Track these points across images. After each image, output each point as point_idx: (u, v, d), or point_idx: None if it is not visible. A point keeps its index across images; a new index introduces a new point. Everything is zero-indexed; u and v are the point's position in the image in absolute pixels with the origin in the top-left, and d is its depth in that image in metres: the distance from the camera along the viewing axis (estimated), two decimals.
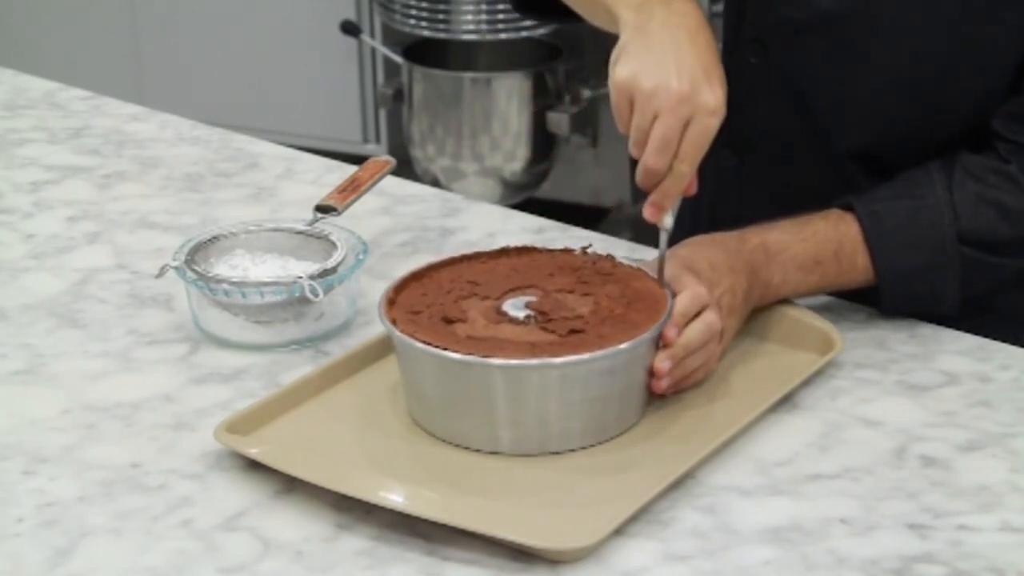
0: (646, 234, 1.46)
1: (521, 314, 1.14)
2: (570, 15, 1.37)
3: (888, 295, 1.26)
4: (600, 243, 1.33)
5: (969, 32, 1.26)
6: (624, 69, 1.14)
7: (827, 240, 1.25)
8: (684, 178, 1.14)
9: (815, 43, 1.32)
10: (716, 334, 1.15)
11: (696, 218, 1.46)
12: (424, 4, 3.24)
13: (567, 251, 1.24)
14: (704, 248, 1.22)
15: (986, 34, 1.26)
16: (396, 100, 3.40)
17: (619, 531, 1.00)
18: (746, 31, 1.38)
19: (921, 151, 1.30)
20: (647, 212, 1.16)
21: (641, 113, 1.12)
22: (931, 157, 1.29)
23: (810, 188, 1.37)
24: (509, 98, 3.19)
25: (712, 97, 1.12)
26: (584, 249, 1.24)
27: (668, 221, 1.17)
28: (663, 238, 1.18)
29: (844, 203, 1.27)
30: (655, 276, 1.18)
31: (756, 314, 1.25)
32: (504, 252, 1.24)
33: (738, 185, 1.42)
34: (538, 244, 1.25)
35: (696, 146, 1.13)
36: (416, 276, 1.20)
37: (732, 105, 1.40)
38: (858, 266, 1.25)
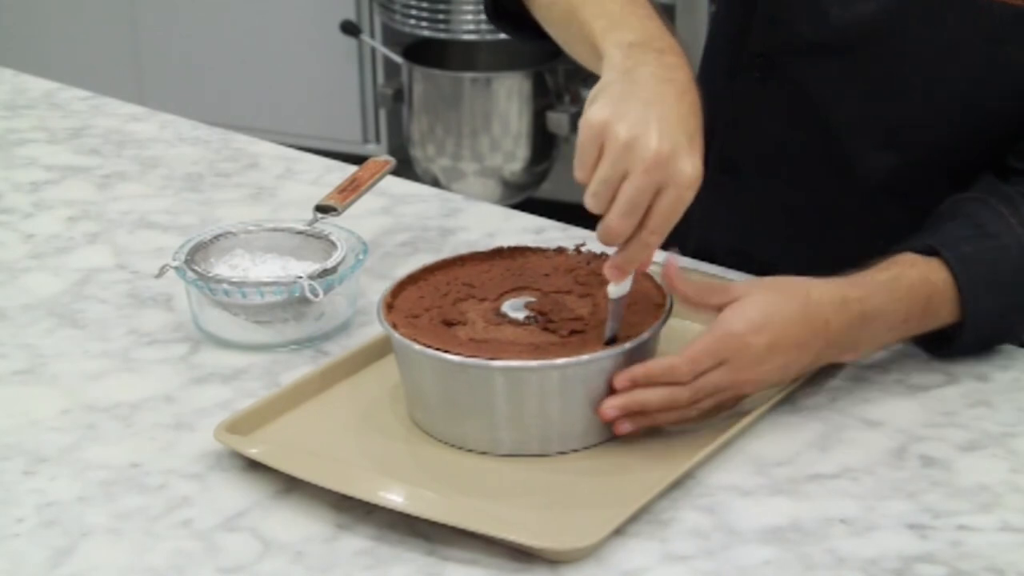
0: None
1: (521, 315, 1.14)
2: (541, 36, 1.31)
3: (969, 339, 1.19)
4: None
5: (995, 55, 1.24)
6: (602, 110, 1.04)
7: (919, 295, 1.16)
8: (651, 248, 1.06)
9: (830, 62, 1.30)
10: (676, 407, 1.08)
11: (685, 233, 1.45)
12: (424, 4, 3.24)
13: (561, 251, 1.24)
14: (783, 322, 1.10)
15: (1008, 54, 1.24)
16: (396, 100, 3.40)
17: (619, 531, 1.00)
18: (752, 45, 1.36)
19: (948, 170, 1.28)
20: (609, 273, 1.08)
21: (612, 165, 1.03)
22: (960, 176, 1.26)
23: (817, 205, 1.37)
24: (509, 98, 3.19)
25: (691, 167, 1.03)
26: (578, 248, 1.24)
27: (620, 289, 1.09)
28: (611, 306, 1.10)
29: (925, 246, 1.18)
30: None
31: None
32: (498, 253, 1.24)
33: (730, 201, 1.41)
34: (538, 244, 1.25)
35: (667, 219, 1.04)
36: (412, 279, 1.20)
37: (727, 119, 1.39)
38: (940, 316, 1.18)
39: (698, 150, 1.05)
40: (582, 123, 1.05)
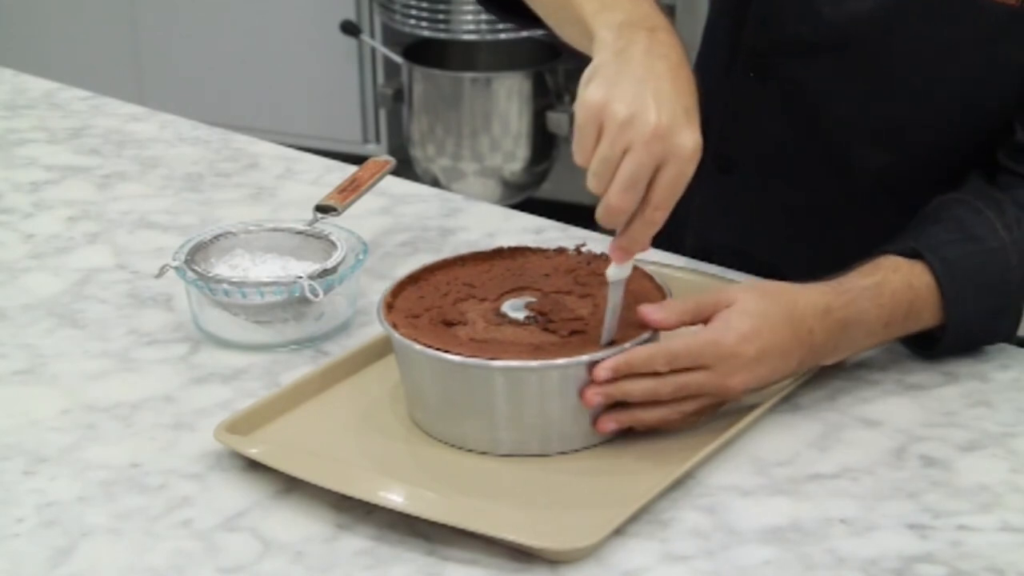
0: None
1: (521, 315, 1.14)
2: (534, 20, 1.29)
3: (952, 341, 1.20)
4: (600, 243, 1.32)
5: (990, 54, 1.24)
6: (597, 91, 1.03)
7: (902, 301, 1.16)
8: (655, 226, 1.05)
9: (825, 61, 1.30)
10: (658, 400, 1.08)
11: (682, 232, 1.45)
12: (424, 4, 3.24)
13: (561, 251, 1.24)
14: (771, 331, 1.10)
15: (1006, 54, 1.24)
16: (396, 100, 3.40)
17: (619, 531, 1.00)
18: (746, 45, 1.36)
19: (946, 169, 1.28)
20: (614, 255, 1.07)
21: (611, 143, 1.02)
22: (958, 175, 1.26)
23: (815, 204, 1.36)
24: (509, 98, 3.19)
25: (691, 139, 1.03)
26: (578, 248, 1.24)
27: (621, 271, 1.08)
28: (614, 290, 1.09)
29: (909, 249, 1.19)
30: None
31: None
32: (498, 253, 1.23)
33: (727, 200, 1.41)
34: (538, 244, 1.25)
35: (670, 193, 1.03)
36: (412, 279, 1.20)
37: (724, 118, 1.39)
38: (922, 320, 1.18)
39: (696, 124, 1.04)
40: (578, 105, 1.04)
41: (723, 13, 1.42)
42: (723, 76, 1.38)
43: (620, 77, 1.04)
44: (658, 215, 1.04)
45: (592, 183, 1.04)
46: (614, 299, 1.10)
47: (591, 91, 1.04)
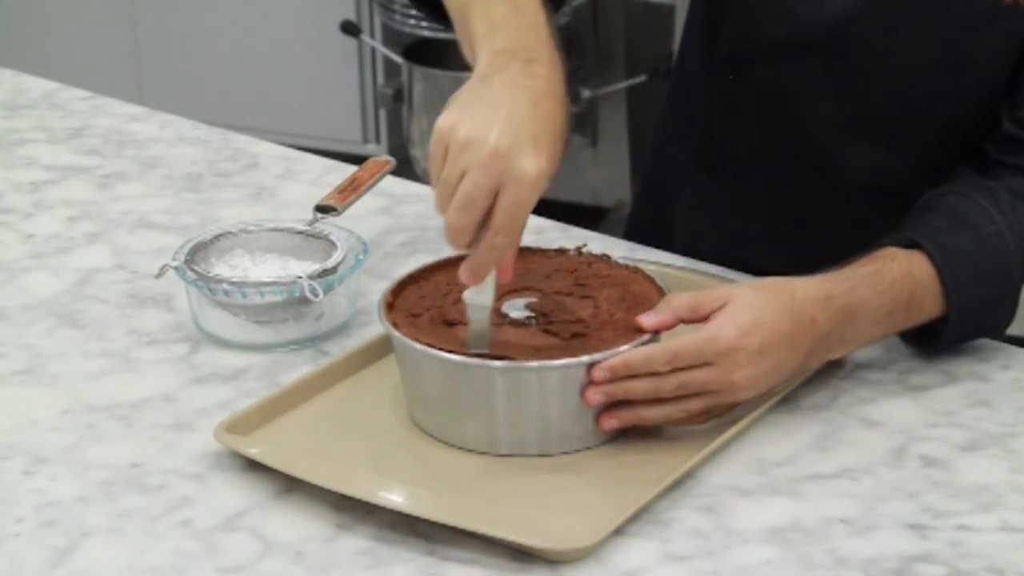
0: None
1: (522, 316, 1.14)
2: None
3: (955, 330, 1.20)
4: (600, 243, 1.33)
5: (968, 48, 1.24)
6: (449, 116, 1.04)
7: (902, 289, 1.16)
8: (499, 251, 1.04)
9: (803, 62, 1.30)
10: (660, 398, 1.08)
11: (671, 233, 1.45)
12: None
13: (562, 252, 1.23)
14: (772, 322, 1.09)
15: (982, 47, 1.24)
16: (396, 100, 3.40)
17: (619, 531, 1.00)
18: (723, 48, 1.35)
19: (930, 165, 1.28)
20: (463, 276, 1.06)
21: (451, 164, 1.02)
22: (942, 170, 1.27)
23: (800, 204, 1.36)
24: None
25: (532, 165, 1.02)
26: (579, 249, 1.23)
27: (478, 296, 1.07)
28: (473, 313, 1.08)
29: (906, 239, 1.19)
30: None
31: None
32: None
33: (713, 201, 1.41)
34: (539, 244, 1.25)
35: (510, 217, 1.02)
36: (413, 278, 1.20)
37: (706, 120, 1.39)
38: (924, 310, 1.18)
39: (544, 151, 1.03)
40: (433, 131, 1.04)
41: (700, 16, 1.43)
42: (703, 78, 1.38)
43: (474, 103, 1.04)
44: (499, 240, 1.03)
45: (436, 205, 1.04)
46: (475, 323, 1.09)
47: (443, 116, 1.04)
